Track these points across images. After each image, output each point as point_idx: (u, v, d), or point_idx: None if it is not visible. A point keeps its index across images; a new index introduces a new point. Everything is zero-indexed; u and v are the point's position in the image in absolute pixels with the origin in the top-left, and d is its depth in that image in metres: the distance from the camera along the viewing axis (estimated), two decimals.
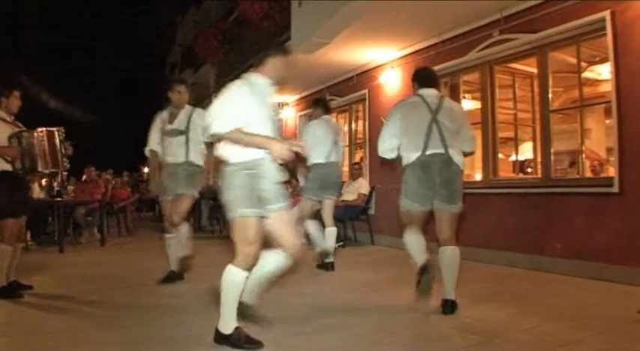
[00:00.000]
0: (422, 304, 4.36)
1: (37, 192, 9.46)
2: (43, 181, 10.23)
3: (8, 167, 4.67)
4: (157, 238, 9.68)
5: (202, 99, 14.76)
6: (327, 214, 6.39)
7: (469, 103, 7.91)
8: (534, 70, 6.65)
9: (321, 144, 6.17)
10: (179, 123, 5.32)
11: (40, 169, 4.94)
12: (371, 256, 7.66)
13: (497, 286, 5.29)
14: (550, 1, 5.99)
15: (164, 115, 5.47)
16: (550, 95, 6.26)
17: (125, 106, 33.15)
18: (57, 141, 5.00)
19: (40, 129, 4.91)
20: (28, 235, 8.82)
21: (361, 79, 9.49)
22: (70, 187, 9.70)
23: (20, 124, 4.89)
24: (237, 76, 10.40)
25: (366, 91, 9.35)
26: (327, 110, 6.58)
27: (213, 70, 14.67)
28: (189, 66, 17.96)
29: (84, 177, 10.76)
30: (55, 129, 5.01)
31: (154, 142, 5.45)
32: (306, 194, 6.29)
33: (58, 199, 9.03)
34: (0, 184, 4.62)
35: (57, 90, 29.84)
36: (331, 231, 6.37)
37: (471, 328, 3.68)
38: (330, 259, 6.27)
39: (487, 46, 6.87)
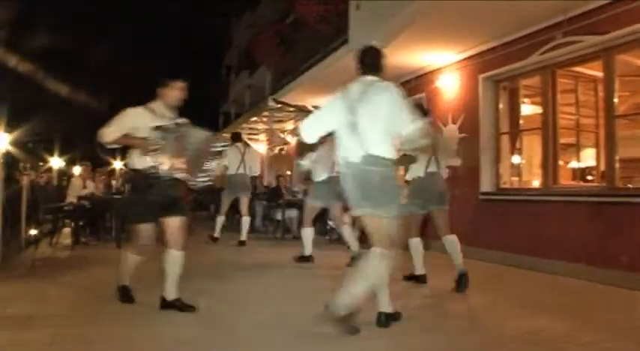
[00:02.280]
0: (479, 313, 4.28)
1: (97, 189, 9.85)
2: (103, 179, 10.61)
3: (145, 164, 4.22)
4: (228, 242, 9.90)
5: (258, 101, 14.99)
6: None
7: (529, 108, 7.74)
8: (599, 74, 6.44)
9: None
10: None
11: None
12: (425, 262, 7.51)
13: (558, 297, 5.15)
14: (618, 1, 5.78)
15: None
16: (616, 100, 6.04)
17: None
18: (209, 148, 4.91)
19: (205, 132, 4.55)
20: (88, 231, 9.19)
21: (419, 82, 9.39)
22: (128, 185, 9.90)
23: (181, 120, 4.42)
24: (293, 79, 10.53)
25: (423, 94, 9.25)
26: None
27: (269, 73, 14.82)
28: (245, 68, 18.24)
29: None
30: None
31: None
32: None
33: (117, 196, 9.35)
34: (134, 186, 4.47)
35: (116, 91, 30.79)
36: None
37: (530, 339, 3.60)
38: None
39: (549, 49, 6.68)
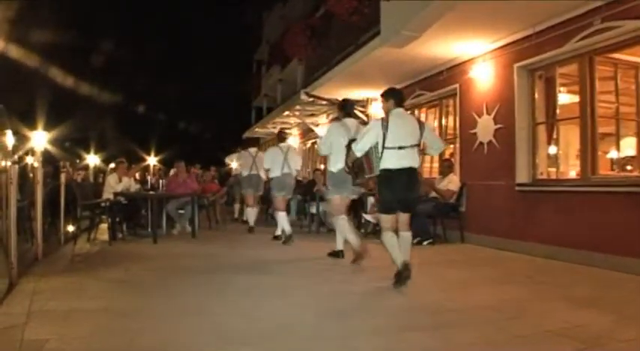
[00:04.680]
0: (522, 305, 4.21)
1: (132, 186, 9.97)
2: (137, 175, 10.70)
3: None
4: (246, 231, 10.02)
5: (289, 95, 14.98)
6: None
7: (566, 97, 7.56)
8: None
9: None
10: None
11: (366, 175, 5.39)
12: (460, 255, 7.52)
13: (598, 291, 5.01)
14: None
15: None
16: None
17: (211, 103, 34.32)
18: None
19: None
20: (124, 226, 9.32)
21: (452, 73, 9.28)
22: (162, 181, 10.02)
23: None
24: (325, 72, 10.51)
25: (456, 85, 9.13)
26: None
27: (301, 67, 14.79)
28: (277, 63, 18.25)
29: (172, 171, 10.97)
30: None
31: None
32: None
33: (152, 192, 9.44)
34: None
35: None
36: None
37: (570, 334, 3.52)
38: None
39: (587, 36, 6.50)
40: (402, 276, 4.97)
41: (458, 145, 9.23)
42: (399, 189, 5.14)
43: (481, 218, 8.32)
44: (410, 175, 5.17)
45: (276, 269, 6.24)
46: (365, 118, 11.63)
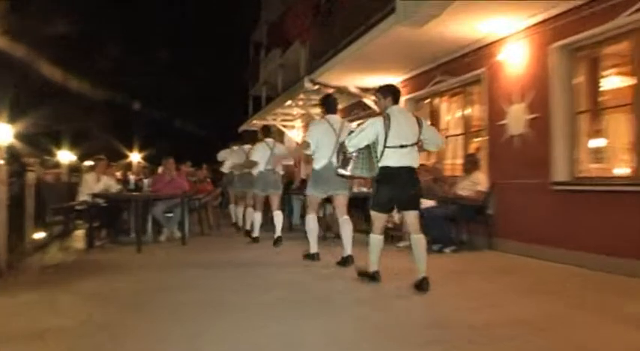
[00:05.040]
0: (545, 321, 4.21)
1: (113, 186, 9.98)
2: (118, 174, 10.70)
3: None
4: (245, 238, 9.95)
5: (292, 83, 14.94)
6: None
7: (614, 81, 7.45)
8: None
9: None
10: None
11: None
12: (488, 263, 7.53)
13: None
14: None
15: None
16: None
17: (203, 93, 34.42)
18: None
19: None
20: (103, 233, 9.33)
21: (477, 55, 9.23)
22: (146, 181, 10.02)
23: None
24: (332, 56, 10.53)
25: (483, 70, 9.10)
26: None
27: (305, 51, 14.75)
28: (277, 46, 18.20)
29: (160, 169, 10.94)
30: None
31: None
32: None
33: (136, 193, 9.42)
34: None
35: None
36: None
37: None
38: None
39: None
40: (421, 285, 5.42)
41: (484, 138, 9.21)
42: (399, 186, 5.64)
43: (511, 222, 8.29)
44: (410, 172, 5.68)
45: (282, 285, 6.08)
46: (376, 109, 11.56)
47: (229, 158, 11.79)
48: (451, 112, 10.94)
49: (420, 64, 10.60)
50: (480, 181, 8.71)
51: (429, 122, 8.38)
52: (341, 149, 6.11)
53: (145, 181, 10.02)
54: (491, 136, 8.96)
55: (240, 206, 11.13)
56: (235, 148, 11.66)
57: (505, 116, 8.52)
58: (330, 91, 12.68)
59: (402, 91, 11.56)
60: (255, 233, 9.62)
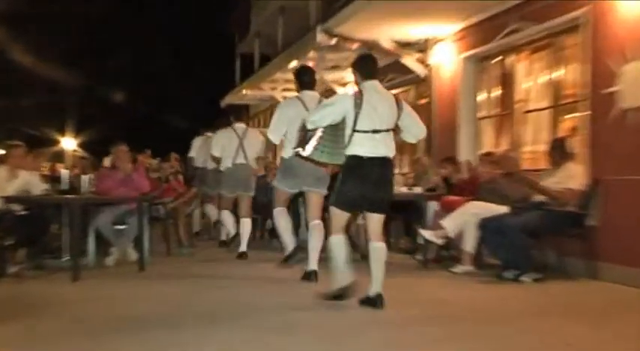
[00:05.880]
0: None
1: (36, 185, 9.74)
2: (45, 168, 10.50)
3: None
4: (228, 259, 10.30)
5: (298, 35, 14.82)
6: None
7: None
8: None
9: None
10: None
11: None
12: (589, 300, 7.42)
13: None
14: None
15: None
16: None
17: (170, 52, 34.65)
18: None
19: None
20: (21, 254, 9.08)
21: None
22: (86, 178, 9.74)
23: None
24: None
25: (582, 11, 8.92)
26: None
27: None
28: None
29: (106, 161, 10.77)
30: None
31: None
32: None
33: (71, 196, 9.17)
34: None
35: None
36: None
37: None
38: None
39: None
40: (373, 302, 6.20)
41: (583, 113, 9.13)
42: (369, 182, 6.21)
43: (627, 238, 8.09)
44: (384, 165, 6.32)
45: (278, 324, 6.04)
46: (424, 72, 12.47)
47: (201, 151, 12.50)
48: (532, 76, 10.93)
49: (486, 5, 10.57)
50: (574, 177, 8.54)
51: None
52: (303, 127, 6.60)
53: (85, 178, 9.76)
54: (593, 110, 8.86)
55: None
56: (210, 134, 12.10)
57: (616, 80, 8.39)
58: (354, 46, 12.59)
59: (459, 45, 11.49)
60: (243, 247, 10.23)
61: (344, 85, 15.73)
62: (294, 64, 15.34)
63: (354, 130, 6.11)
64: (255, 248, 10.84)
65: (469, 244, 8.82)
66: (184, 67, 36.62)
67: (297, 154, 6.59)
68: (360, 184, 6.15)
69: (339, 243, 6.33)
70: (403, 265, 9.24)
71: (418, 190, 9.99)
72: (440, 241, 8.99)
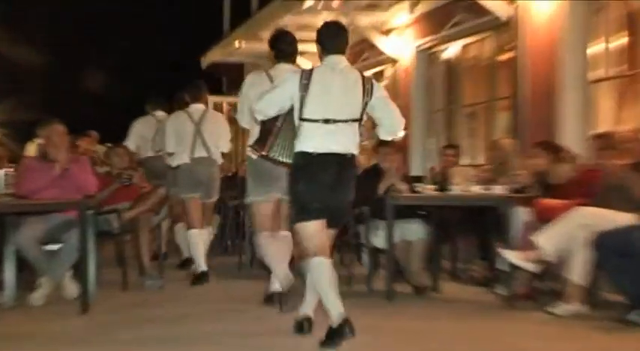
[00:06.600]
0: None
1: None
2: None
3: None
4: (213, 300, 9.79)
5: None
6: None
7: None
8: None
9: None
10: None
11: None
12: None
13: None
14: None
15: None
16: None
17: None
18: None
19: None
20: None
21: None
22: (0, 173, 9.58)
23: None
24: None
25: None
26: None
27: None
28: None
29: (30, 147, 10.31)
30: None
31: None
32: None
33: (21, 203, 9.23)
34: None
35: None
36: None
37: None
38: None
39: None
40: (336, 334, 6.17)
41: None
42: (323, 186, 6.50)
43: None
44: (341, 165, 6.57)
45: None
46: (508, 12, 12.33)
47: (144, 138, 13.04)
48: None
49: None
50: None
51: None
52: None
53: (0, 173, 9.22)
54: None
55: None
56: (161, 115, 12.75)
57: None
58: None
59: None
60: (202, 265, 10.60)
61: (386, 33, 15.75)
62: (310, 3, 15.20)
63: (300, 119, 6.42)
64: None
65: (577, 272, 8.20)
66: (152, 18, 36.37)
67: (256, 153, 6.96)
68: (313, 189, 6.42)
69: (320, 265, 6.35)
70: (477, 302, 9.12)
71: (498, 189, 9.53)
72: (533, 268, 8.52)
